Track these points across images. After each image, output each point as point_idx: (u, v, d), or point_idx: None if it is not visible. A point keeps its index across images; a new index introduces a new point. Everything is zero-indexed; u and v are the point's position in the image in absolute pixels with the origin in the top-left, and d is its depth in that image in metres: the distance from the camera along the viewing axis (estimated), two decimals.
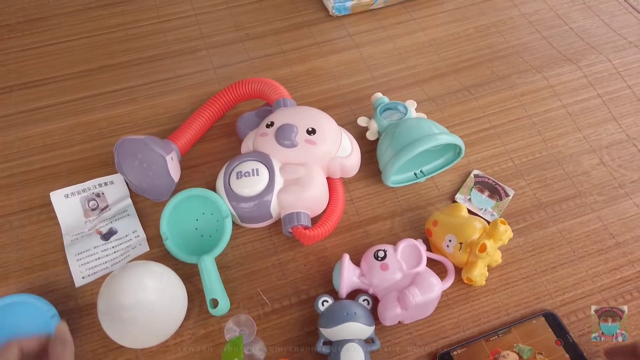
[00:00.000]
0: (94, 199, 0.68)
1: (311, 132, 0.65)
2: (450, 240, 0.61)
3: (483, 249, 0.58)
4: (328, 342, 0.57)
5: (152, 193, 0.67)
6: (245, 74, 0.84)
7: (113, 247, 0.64)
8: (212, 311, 0.60)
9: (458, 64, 0.86)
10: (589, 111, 0.79)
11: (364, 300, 0.60)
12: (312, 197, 0.63)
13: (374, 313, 0.59)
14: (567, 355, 0.58)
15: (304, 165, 0.64)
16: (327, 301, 0.59)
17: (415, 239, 0.63)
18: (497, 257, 0.64)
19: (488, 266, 0.64)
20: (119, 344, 0.57)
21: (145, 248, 0.65)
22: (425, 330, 0.61)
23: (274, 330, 0.60)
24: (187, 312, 0.60)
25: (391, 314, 0.57)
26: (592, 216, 0.70)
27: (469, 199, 0.70)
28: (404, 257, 0.61)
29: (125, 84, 0.83)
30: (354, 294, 0.61)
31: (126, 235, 0.65)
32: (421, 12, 0.94)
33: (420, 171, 0.72)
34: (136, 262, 0.59)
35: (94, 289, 0.62)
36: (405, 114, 0.72)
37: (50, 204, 0.67)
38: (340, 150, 0.67)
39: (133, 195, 0.70)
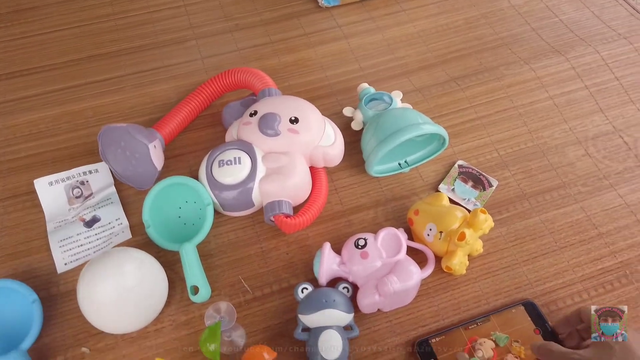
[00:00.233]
0: (78, 187, 0.68)
1: (294, 121, 0.65)
2: (430, 229, 0.62)
3: (462, 237, 0.58)
4: (307, 329, 0.58)
5: (135, 181, 0.67)
6: (234, 64, 0.84)
7: (96, 234, 0.65)
8: (192, 298, 0.60)
9: (446, 55, 0.86)
10: (575, 103, 0.79)
11: (343, 288, 0.60)
12: (294, 186, 0.64)
13: (353, 301, 0.59)
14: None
15: (286, 154, 0.64)
16: (306, 288, 0.60)
17: (397, 228, 0.63)
18: (478, 247, 0.64)
19: (469, 255, 0.65)
20: (99, 329, 0.57)
21: (128, 235, 0.65)
22: (405, 318, 0.61)
23: (255, 318, 0.61)
24: (168, 298, 0.61)
25: (369, 301, 0.58)
26: (575, 207, 0.70)
27: (453, 189, 0.70)
28: (384, 245, 0.61)
29: (113, 74, 0.84)
30: (334, 283, 0.61)
31: (109, 223, 0.66)
32: (411, 4, 0.93)
33: (405, 161, 0.73)
34: (116, 248, 0.60)
35: (76, 276, 0.62)
36: (390, 104, 0.72)
37: (34, 191, 0.68)
38: (323, 139, 0.67)
39: (117, 183, 0.70)
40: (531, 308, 0.61)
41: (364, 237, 0.61)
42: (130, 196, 0.69)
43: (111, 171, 0.69)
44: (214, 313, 0.59)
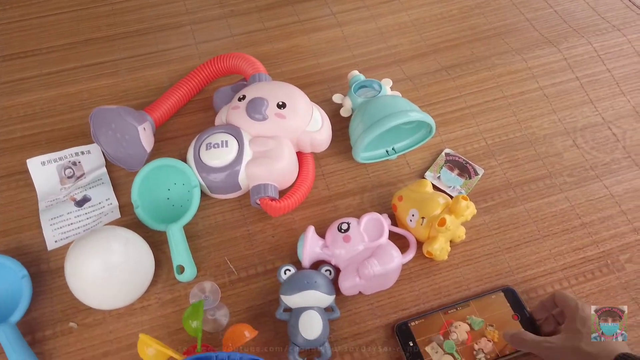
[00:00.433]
0: (70, 167, 0.70)
1: (281, 106, 0.66)
2: (413, 215, 0.63)
3: (442, 223, 0.59)
4: (288, 309, 0.59)
5: (126, 162, 0.69)
6: (227, 50, 0.85)
7: (86, 213, 0.66)
8: (178, 277, 0.62)
9: (439, 45, 0.86)
10: (565, 93, 0.79)
11: (326, 271, 0.61)
12: (280, 170, 0.65)
13: (335, 284, 0.61)
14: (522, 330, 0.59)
15: (274, 139, 0.65)
16: (289, 270, 0.61)
17: (381, 214, 0.64)
18: (460, 233, 0.65)
19: (451, 242, 0.65)
20: (87, 305, 0.59)
21: (117, 215, 0.67)
22: (386, 301, 0.62)
23: (239, 298, 0.62)
24: (155, 277, 0.62)
25: (350, 283, 0.59)
26: (560, 197, 0.70)
27: (439, 177, 0.71)
28: (367, 230, 0.62)
29: (109, 57, 0.85)
30: (318, 265, 0.62)
31: (99, 203, 0.67)
32: None
33: (392, 148, 0.73)
34: (103, 226, 0.61)
35: (66, 253, 0.64)
36: (380, 92, 0.73)
37: (27, 171, 0.69)
38: (310, 124, 0.68)
39: (109, 164, 0.71)
40: (511, 294, 0.62)
41: (347, 222, 0.62)
42: (120, 177, 0.71)
43: (103, 152, 0.71)
44: (199, 292, 0.61)
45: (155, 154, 0.71)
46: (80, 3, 0.92)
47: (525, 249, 0.66)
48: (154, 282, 0.62)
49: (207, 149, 0.65)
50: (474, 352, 0.57)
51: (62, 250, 0.64)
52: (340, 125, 0.74)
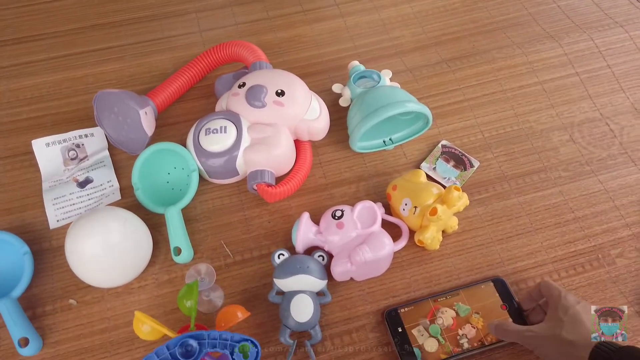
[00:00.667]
0: (73, 149, 0.72)
1: (280, 93, 0.67)
2: (406, 204, 0.64)
3: (433, 212, 0.60)
4: (281, 293, 0.61)
5: (128, 146, 0.70)
6: (231, 38, 0.85)
7: (88, 194, 0.68)
8: (175, 259, 0.63)
9: (440, 37, 0.87)
10: (564, 89, 0.80)
11: (319, 256, 0.63)
12: (277, 157, 0.66)
13: (328, 269, 0.62)
14: (510, 319, 0.60)
15: (272, 126, 0.66)
16: (283, 255, 0.63)
17: (376, 202, 0.65)
18: (452, 223, 0.66)
19: (444, 232, 0.66)
20: (86, 282, 0.61)
21: (118, 197, 0.68)
22: (377, 288, 0.63)
23: (234, 280, 0.64)
24: (152, 258, 0.64)
25: (342, 269, 0.60)
26: (554, 190, 0.71)
27: (434, 168, 0.72)
28: (360, 217, 0.63)
29: (115, 43, 0.86)
30: (311, 251, 0.64)
31: (101, 185, 0.69)
32: None
33: (389, 139, 0.74)
34: (103, 207, 0.63)
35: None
36: (379, 82, 0.74)
37: (32, 152, 0.71)
38: (308, 113, 0.69)
39: (111, 147, 0.73)
40: (500, 285, 0.63)
41: (341, 209, 0.64)
42: (122, 160, 0.72)
43: (106, 136, 0.72)
44: (195, 273, 0.63)
45: (156, 138, 0.72)
46: None
47: (517, 240, 0.67)
48: (151, 263, 0.64)
49: (206, 134, 0.66)
50: (458, 337, 0.58)
51: (64, 230, 0.66)
52: (339, 115, 0.75)
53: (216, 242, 0.67)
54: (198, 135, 0.67)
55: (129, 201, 0.68)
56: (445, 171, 0.72)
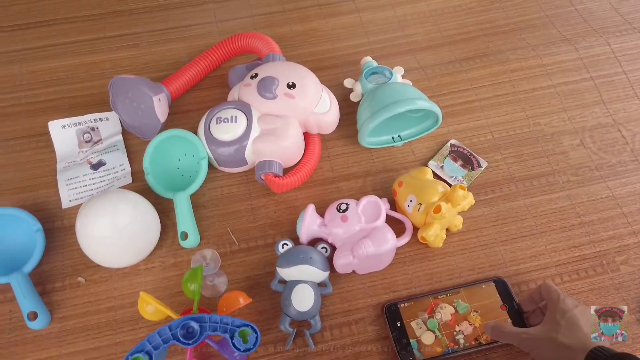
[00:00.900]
0: (88, 132, 0.73)
1: (291, 86, 0.68)
2: (411, 201, 0.64)
3: (437, 210, 0.60)
4: (283, 281, 0.62)
5: (141, 131, 0.72)
6: (246, 29, 0.86)
7: (100, 176, 0.70)
8: (182, 243, 0.65)
9: (455, 36, 0.87)
10: (578, 93, 0.79)
11: (322, 248, 0.64)
12: (286, 148, 0.67)
13: (330, 261, 0.63)
14: (509, 320, 0.60)
15: (282, 117, 0.67)
16: (287, 244, 0.64)
17: (381, 198, 0.66)
18: (457, 222, 0.66)
19: (448, 230, 0.67)
20: (95, 262, 0.63)
21: (129, 180, 0.70)
22: (379, 282, 0.64)
23: (238, 267, 0.65)
24: (160, 242, 0.65)
25: (344, 261, 0.61)
26: (562, 194, 0.71)
27: (442, 167, 0.72)
28: (365, 211, 0.64)
29: (132, 30, 0.87)
30: (315, 243, 0.65)
31: (113, 168, 0.71)
32: None
33: (398, 136, 0.75)
34: (114, 189, 0.64)
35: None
36: (390, 79, 0.74)
37: (48, 133, 0.73)
38: (319, 106, 0.69)
39: (125, 132, 0.75)
40: (502, 285, 0.63)
41: (346, 202, 0.64)
42: (135, 145, 0.74)
43: (120, 120, 0.74)
44: (200, 258, 0.64)
45: (169, 125, 0.74)
46: None
47: (521, 242, 0.67)
48: (158, 246, 0.65)
49: (217, 122, 0.67)
50: (455, 333, 0.59)
51: (76, 209, 0.67)
52: (350, 110, 0.76)
53: (222, 229, 0.68)
54: (209, 124, 0.68)
55: (139, 185, 0.70)
56: (453, 170, 0.72)
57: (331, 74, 0.81)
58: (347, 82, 0.76)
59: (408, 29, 0.88)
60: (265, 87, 0.67)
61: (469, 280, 0.64)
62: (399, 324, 0.60)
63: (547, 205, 0.70)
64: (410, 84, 0.76)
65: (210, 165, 0.70)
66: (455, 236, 0.67)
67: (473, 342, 0.58)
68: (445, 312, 0.60)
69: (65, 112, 0.76)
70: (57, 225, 0.67)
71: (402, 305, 0.61)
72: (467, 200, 0.62)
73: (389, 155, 0.74)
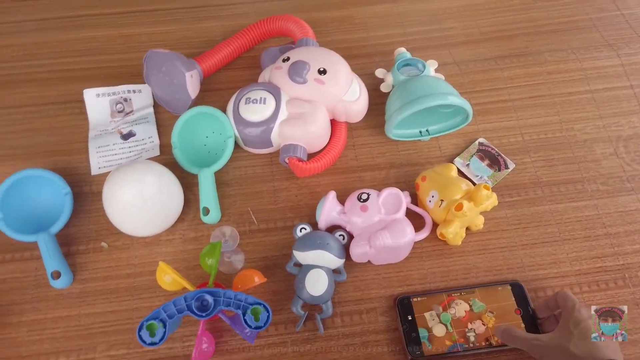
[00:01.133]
0: (121, 103, 0.75)
1: (322, 72, 0.68)
2: (432, 196, 0.64)
3: (459, 207, 0.60)
4: (298, 265, 0.62)
5: (172, 105, 0.73)
6: (283, 12, 0.85)
7: (129, 147, 0.71)
8: (203, 218, 0.66)
9: (493, 33, 0.85)
10: (616, 100, 0.77)
11: (339, 235, 0.64)
12: (312, 133, 0.67)
13: (347, 249, 0.63)
14: (522, 325, 0.60)
15: (310, 103, 0.67)
16: (305, 229, 0.64)
17: (403, 191, 0.65)
18: (478, 222, 0.66)
19: (468, 229, 0.66)
20: (118, 229, 0.64)
21: (157, 153, 0.71)
22: (393, 274, 0.64)
23: (255, 247, 0.66)
24: (182, 215, 0.67)
25: (360, 251, 0.61)
26: (589, 203, 0.69)
27: (468, 165, 0.71)
28: (385, 203, 0.64)
29: (169, 5, 0.88)
30: (333, 230, 0.65)
31: (142, 139, 0.72)
32: None
33: (426, 130, 0.74)
34: (142, 160, 0.66)
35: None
36: (423, 72, 0.73)
37: (83, 100, 0.75)
38: (348, 94, 0.69)
39: (156, 105, 0.76)
40: (518, 289, 0.62)
41: (367, 192, 0.64)
42: (165, 119, 0.75)
43: (152, 94, 0.75)
44: (220, 234, 0.65)
45: (199, 101, 0.75)
46: None
47: (542, 248, 0.66)
48: (180, 219, 0.67)
49: (246, 103, 0.68)
50: (466, 330, 0.59)
51: (104, 177, 0.69)
52: (379, 100, 0.75)
53: (243, 208, 0.69)
54: (238, 104, 0.68)
55: (166, 158, 0.71)
56: (479, 169, 0.71)
57: (363, 62, 0.81)
58: (379, 72, 0.76)
59: (445, 23, 0.86)
60: (296, 71, 0.67)
61: (485, 281, 0.64)
62: (410, 318, 0.60)
63: (572, 213, 0.68)
64: (443, 78, 0.75)
65: (236, 145, 0.71)
66: (475, 236, 0.67)
67: (483, 343, 0.58)
68: (459, 308, 0.60)
69: (100, 81, 0.78)
70: (85, 190, 0.69)
71: (415, 299, 0.61)
72: (490, 200, 0.62)
73: (415, 148, 0.74)
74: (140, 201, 0.61)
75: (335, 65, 0.69)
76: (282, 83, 0.68)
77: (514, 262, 0.65)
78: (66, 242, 0.66)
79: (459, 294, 0.62)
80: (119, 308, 0.62)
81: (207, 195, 0.66)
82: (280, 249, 0.66)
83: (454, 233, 0.63)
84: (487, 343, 0.58)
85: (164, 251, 0.65)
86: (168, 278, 0.57)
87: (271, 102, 0.67)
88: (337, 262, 0.62)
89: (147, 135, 0.72)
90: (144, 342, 0.51)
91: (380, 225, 0.62)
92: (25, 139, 0.73)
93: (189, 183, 0.69)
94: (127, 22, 0.86)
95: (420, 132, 0.74)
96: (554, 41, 0.83)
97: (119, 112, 0.75)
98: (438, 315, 0.60)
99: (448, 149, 0.74)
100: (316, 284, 0.60)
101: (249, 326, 0.53)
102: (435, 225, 0.65)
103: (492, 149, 0.73)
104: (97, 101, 0.74)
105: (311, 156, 0.70)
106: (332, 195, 0.65)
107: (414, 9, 0.88)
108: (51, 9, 0.87)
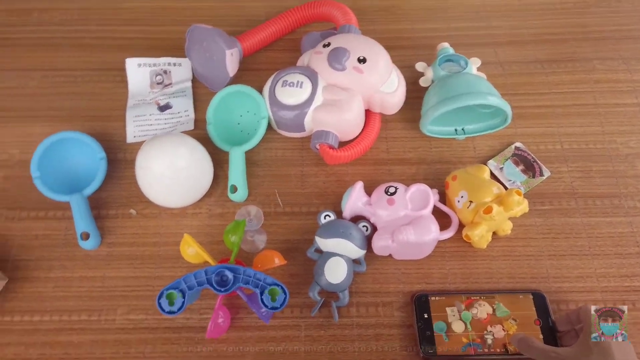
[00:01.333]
0: (161, 74, 0.76)
1: (362, 60, 0.67)
2: (462, 196, 0.63)
3: (488, 210, 0.59)
4: (319, 251, 0.62)
5: (209, 81, 0.74)
6: None
7: (165, 118, 0.73)
8: (230, 196, 0.67)
9: (542, 36, 0.82)
10: None
11: (363, 226, 0.64)
12: (345, 121, 0.67)
13: (369, 241, 0.63)
14: (541, 336, 0.58)
15: (347, 90, 0.67)
16: (329, 216, 0.64)
17: (432, 188, 0.65)
18: (505, 227, 0.64)
19: (495, 233, 0.65)
20: (148, 198, 0.66)
21: (191, 127, 0.72)
22: (414, 271, 0.64)
23: (279, 229, 0.66)
24: (210, 190, 0.68)
25: (382, 244, 0.61)
26: (624, 220, 0.67)
27: (501, 168, 0.70)
28: (413, 199, 0.63)
29: None
30: (357, 220, 0.65)
31: (178, 112, 0.73)
32: None
33: (462, 129, 0.73)
34: (176, 132, 0.67)
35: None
36: (464, 69, 0.72)
37: (124, 69, 0.76)
38: (386, 85, 0.68)
39: (194, 80, 0.77)
40: (540, 300, 0.61)
41: (395, 186, 0.64)
42: (202, 94, 0.76)
43: (192, 68, 0.76)
44: (245, 213, 0.66)
45: (237, 80, 0.75)
46: None
47: (570, 261, 0.64)
48: (208, 194, 0.68)
49: (282, 85, 0.68)
50: (485, 332, 0.58)
51: (139, 145, 0.70)
52: (416, 94, 0.74)
53: (270, 190, 0.69)
54: (275, 86, 0.69)
55: (199, 133, 0.72)
56: (512, 174, 0.69)
57: (404, 54, 0.79)
58: (419, 66, 0.75)
59: (493, 21, 0.84)
60: (336, 58, 0.67)
61: (507, 288, 0.63)
62: (425, 316, 0.59)
63: (605, 228, 0.66)
64: (485, 77, 0.73)
65: (269, 126, 0.71)
66: (502, 240, 0.65)
67: (499, 349, 0.57)
68: (482, 309, 0.59)
69: (142, 51, 0.79)
70: (119, 157, 0.71)
71: (433, 298, 0.61)
72: (521, 206, 0.60)
73: (448, 147, 0.72)
74: (171, 172, 0.62)
75: (375, 55, 0.68)
76: (321, 68, 0.68)
77: (539, 271, 0.64)
78: (97, 205, 0.67)
79: (477, 297, 0.61)
80: (142, 274, 0.63)
81: (236, 173, 0.67)
82: (302, 234, 0.66)
83: (479, 236, 0.62)
84: (503, 350, 0.57)
85: (190, 224, 0.67)
86: (191, 250, 0.58)
87: (308, 86, 0.67)
88: (358, 252, 0.61)
89: (183, 109, 0.73)
90: (163, 310, 0.52)
91: (405, 220, 0.62)
92: (67, 101, 0.75)
93: (219, 160, 0.70)
94: None
95: (456, 130, 0.73)
96: (604, 49, 0.80)
97: (158, 83, 0.76)
98: (459, 312, 0.59)
99: (482, 150, 0.72)
100: (335, 272, 0.60)
101: (266, 306, 0.53)
102: (461, 226, 0.64)
103: (529, 154, 0.71)
104: (138, 71, 0.76)
105: (342, 144, 0.69)
106: (359, 186, 0.64)
107: (462, 3, 0.86)
108: None
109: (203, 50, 0.71)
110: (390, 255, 0.64)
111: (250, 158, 0.71)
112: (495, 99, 0.66)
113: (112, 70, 0.78)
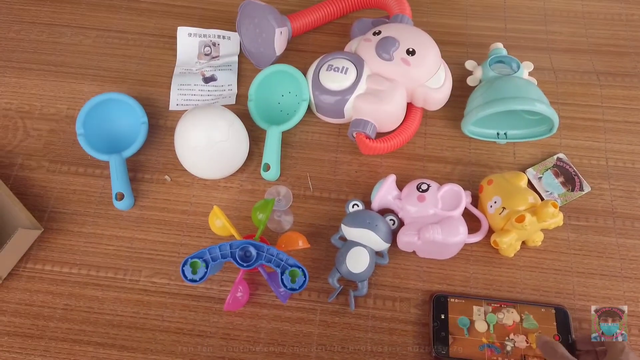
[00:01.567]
0: (209, 46, 0.77)
1: (411, 52, 0.66)
2: (495, 202, 0.61)
3: (521, 219, 0.57)
4: (343, 239, 0.63)
5: (256, 58, 0.74)
6: None
7: (208, 90, 0.74)
8: (263, 174, 0.68)
9: (602, 46, 0.79)
10: None
11: (390, 220, 0.63)
12: (386, 113, 0.66)
13: (394, 235, 0.63)
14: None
15: (391, 81, 0.66)
16: (357, 205, 0.64)
17: (465, 190, 0.64)
18: (536, 238, 0.63)
19: (524, 243, 0.64)
20: (183, 166, 0.67)
21: (232, 101, 0.73)
22: (436, 270, 0.63)
23: (306, 212, 0.67)
24: (243, 166, 0.69)
25: (407, 239, 0.61)
26: None
27: (540, 178, 0.68)
28: (444, 198, 0.62)
29: None
30: (385, 213, 0.64)
31: (222, 86, 0.74)
32: None
33: (504, 133, 0.71)
34: (217, 105, 0.67)
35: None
36: (515, 73, 0.70)
37: (175, 37, 0.78)
38: (431, 80, 0.67)
39: (241, 55, 0.78)
40: (562, 315, 0.60)
41: (427, 183, 0.63)
42: (247, 70, 0.77)
43: (240, 43, 0.77)
44: (275, 192, 0.67)
45: (282, 59, 0.75)
46: None
47: (599, 280, 0.63)
48: (241, 170, 0.69)
49: (327, 69, 0.67)
50: (506, 339, 0.58)
51: (180, 114, 0.72)
52: (462, 92, 0.72)
53: (302, 173, 0.69)
54: (319, 69, 0.68)
55: (240, 108, 0.73)
56: (551, 185, 0.67)
57: (454, 50, 0.78)
58: (469, 64, 0.73)
59: (552, 25, 0.81)
60: (384, 47, 0.66)
61: (529, 299, 0.61)
62: (442, 317, 0.59)
63: None
64: (536, 83, 0.71)
65: (309, 109, 0.71)
66: (530, 251, 0.64)
67: (519, 358, 0.57)
68: (509, 316, 0.59)
69: (194, 21, 0.80)
70: (160, 124, 0.73)
71: (452, 300, 0.60)
72: (555, 219, 0.58)
73: (488, 150, 0.71)
74: (208, 144, 0.63)
75: (425, 48, 0.67)
76: (368, 56, 0.67)
77: (565, 287, 0.62)
78: (134, 168, 0.69)
79: (498, 305, 0.60)
80: (169, 240, 0.65)
81: (271, 152, 0.67)
82: (328, 220, 0.66)
83: (508, 244, 0.61)
84: (524, 358, 0.57)
85: (220, 197, 0.68)
86: (219, 223, 0.59)
87: (352, 73, 0.66)
88: (382, 245, 0.61)
89: (227, 83, 0.74)
90: (185, 277, 0.53)
91: (433, 219, 0.61)
92: (117, 63, 0.77)
93: (256, 137, 0.71)
94: None
95: (498, 134, 0.71)
96: None
97: (206, 54, 0.77)
98: (485, 313, 0.59)
99: (523, 157, 0.70)
100: (357, 262, 0.60)
101: (285, 286, 0.54)
102: (490, 231, 0.63)
103: (570, 167, 0.68)
104: (188, 40, 0.77)
105: (379, 135, 0.69)
106: (391, 179, 0.64)
107: (521, 4, 0.83)
108: None
109: (253, 26, 0.71)
110: (414, 252, 0.63)
111: (286, 139, 0.71)
112: (544, 107, 0.64)
113: (164, 37, 0.79)
